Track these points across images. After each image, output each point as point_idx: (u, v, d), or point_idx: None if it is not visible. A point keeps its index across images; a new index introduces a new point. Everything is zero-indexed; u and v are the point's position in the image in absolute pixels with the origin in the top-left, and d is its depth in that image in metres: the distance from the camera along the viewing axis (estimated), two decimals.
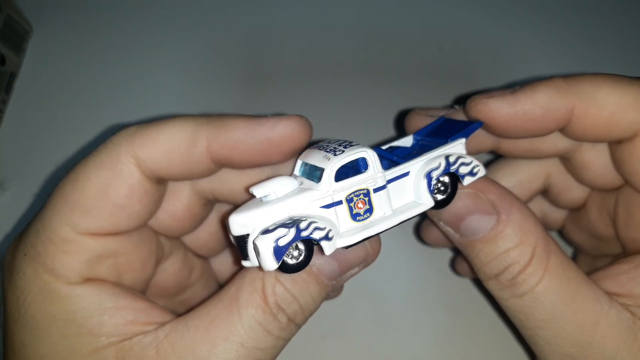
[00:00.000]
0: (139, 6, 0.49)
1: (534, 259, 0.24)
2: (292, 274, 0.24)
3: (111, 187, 0.24)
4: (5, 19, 0.43)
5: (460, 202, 0.26)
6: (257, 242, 0.23)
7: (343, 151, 0.24)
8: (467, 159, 0.26)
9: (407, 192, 0.26)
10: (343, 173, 0.24)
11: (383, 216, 0.25)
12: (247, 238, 0.24)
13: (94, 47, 0.47)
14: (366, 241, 0.25)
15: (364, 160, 0.24)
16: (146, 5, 0.49)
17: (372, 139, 0.41)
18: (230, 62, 0.47)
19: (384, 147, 0.28)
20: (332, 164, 0.24)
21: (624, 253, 0.29)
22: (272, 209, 0.24)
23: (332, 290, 0.26)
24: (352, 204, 0.24)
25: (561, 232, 0.37)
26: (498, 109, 0.25)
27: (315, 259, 0.25)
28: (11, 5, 0.44)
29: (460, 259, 0.36)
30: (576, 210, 0.33)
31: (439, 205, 0.26)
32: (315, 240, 0.23)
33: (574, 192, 0.31)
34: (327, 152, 0.25)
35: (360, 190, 0.24)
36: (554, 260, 0.24)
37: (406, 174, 0.25)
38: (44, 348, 0.24)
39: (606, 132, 0.25)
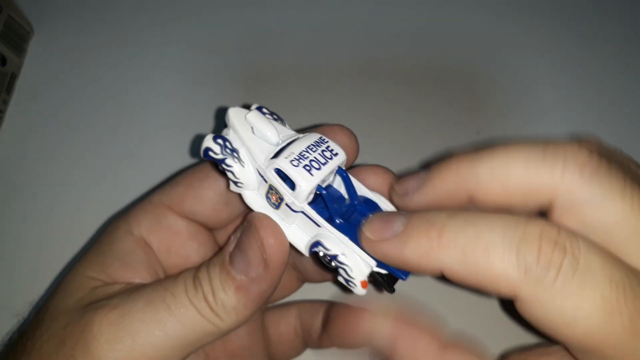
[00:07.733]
0: (140, 7, 0.49)
1: None
2: None
3: None
4: (6, 19, 0.43)
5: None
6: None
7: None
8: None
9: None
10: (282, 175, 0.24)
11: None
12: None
13: (95, 48, 0.47)
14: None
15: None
16: (147, 6, 0.49)
17: (374, 139, 0.41)
18: (232, 63, 0.47)
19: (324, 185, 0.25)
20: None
21: None
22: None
23: None
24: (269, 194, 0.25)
25: None
26: (414, 203, 0.24)
27: None
28: (12, 6, 0.44)
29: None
30: None
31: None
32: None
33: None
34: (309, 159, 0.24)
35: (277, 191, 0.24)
36: None
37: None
38: None
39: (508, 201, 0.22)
